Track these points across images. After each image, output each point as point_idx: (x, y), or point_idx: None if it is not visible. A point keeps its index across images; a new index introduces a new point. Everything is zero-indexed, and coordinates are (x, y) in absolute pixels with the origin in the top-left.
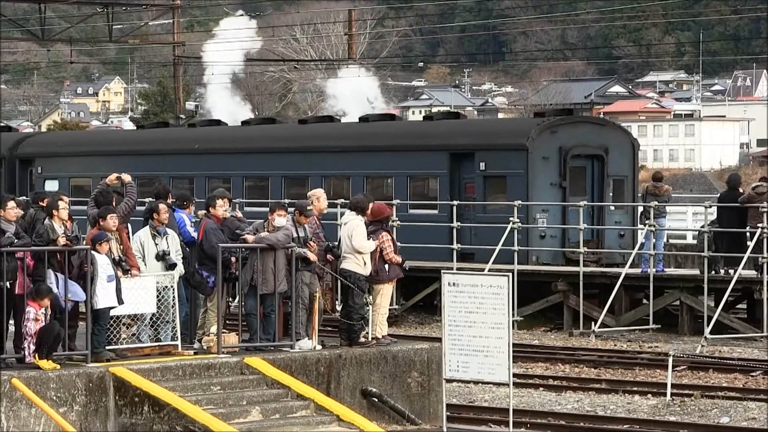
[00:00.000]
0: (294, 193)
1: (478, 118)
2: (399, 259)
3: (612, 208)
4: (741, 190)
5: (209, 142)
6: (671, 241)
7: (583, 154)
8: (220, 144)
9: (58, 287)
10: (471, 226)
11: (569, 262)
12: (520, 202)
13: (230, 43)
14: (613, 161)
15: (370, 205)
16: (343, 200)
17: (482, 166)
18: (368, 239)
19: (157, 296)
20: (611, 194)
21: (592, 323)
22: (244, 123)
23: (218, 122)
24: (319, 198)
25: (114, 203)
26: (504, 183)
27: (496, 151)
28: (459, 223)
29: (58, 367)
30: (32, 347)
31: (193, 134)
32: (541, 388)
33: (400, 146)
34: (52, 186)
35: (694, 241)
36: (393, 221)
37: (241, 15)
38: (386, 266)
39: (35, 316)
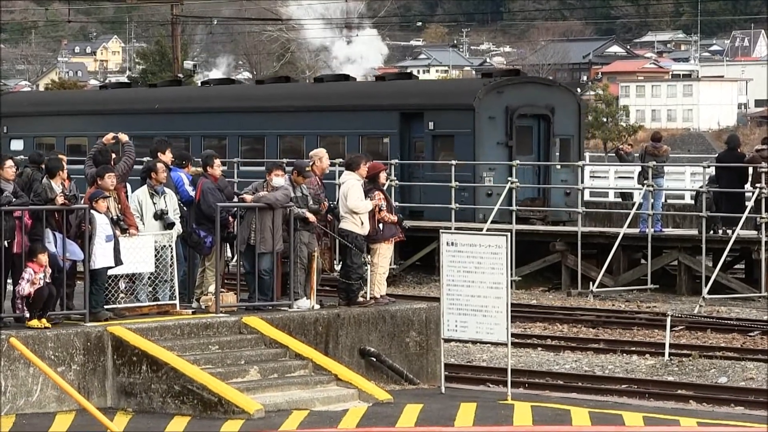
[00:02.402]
0: (250, 150)
1: (428, 79)
2: (394, 218)
3: (558, 167)
4: (739, 151)
5: (169, 102)
6: (669, 201)
7: (530, 113)
8: (180, 104)
9: (56, 246)
10: (420, 184)
11: (518, 220)
12: (518, 162)
13: None
14: (559, 121)
15: (364, 163)
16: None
17: (431, 125)
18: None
19: (155, 255)
20: (557, 154)
21: (590, 283)
22: (203, 83)
23: (179, 82)
24: (321, 158)
25: (112, 162)
26: (452, 142)
27: (444, 111)
28: (458, 183)
29: (50, 325)
30: (25, 310)
31: (154, 94)
32: (539, 348)
33: (352, 106)
34: (17, 145)
35: (692, 201)
36: (391, 181)
37: None
38: (380, 225)
39: (31, 277)
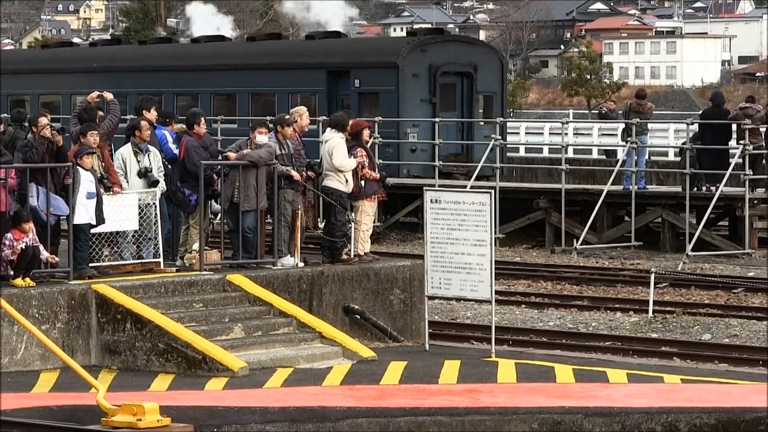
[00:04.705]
0: (186, 107)
1: (354, 37)
2: (376, 175)
3: (482, 123)
4: (724, 107)
5: (107, 60)
6: (653, 158)
7: (453, 71)
8: (117, 62)
9: (38, 201)
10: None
11: (441, 175)
12: (501, 119)
13: None
14: (482, 78)
15: (350, 122)
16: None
17: (357, 83)
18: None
19: (140, 213)
20: (481, 110)
21: (574, 240)
22: (140, 43)
23: (118, 41)
24: (302, 115)
25: (98, 121)
26: (377, 99)
27: (369, 68)
28: (441, 140)
29: (34, 284)
30: (10, 271)
31: (93, 53)
32: (523, 306)
33: (282, 64)
34: None
35: (677, 159)
36: (375, 138)
37: None
38: (362, 182)
39: (12, 244)
